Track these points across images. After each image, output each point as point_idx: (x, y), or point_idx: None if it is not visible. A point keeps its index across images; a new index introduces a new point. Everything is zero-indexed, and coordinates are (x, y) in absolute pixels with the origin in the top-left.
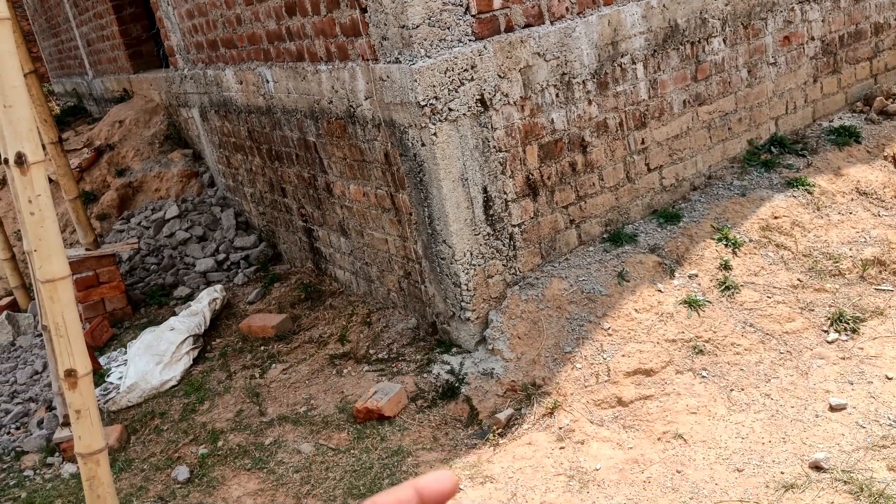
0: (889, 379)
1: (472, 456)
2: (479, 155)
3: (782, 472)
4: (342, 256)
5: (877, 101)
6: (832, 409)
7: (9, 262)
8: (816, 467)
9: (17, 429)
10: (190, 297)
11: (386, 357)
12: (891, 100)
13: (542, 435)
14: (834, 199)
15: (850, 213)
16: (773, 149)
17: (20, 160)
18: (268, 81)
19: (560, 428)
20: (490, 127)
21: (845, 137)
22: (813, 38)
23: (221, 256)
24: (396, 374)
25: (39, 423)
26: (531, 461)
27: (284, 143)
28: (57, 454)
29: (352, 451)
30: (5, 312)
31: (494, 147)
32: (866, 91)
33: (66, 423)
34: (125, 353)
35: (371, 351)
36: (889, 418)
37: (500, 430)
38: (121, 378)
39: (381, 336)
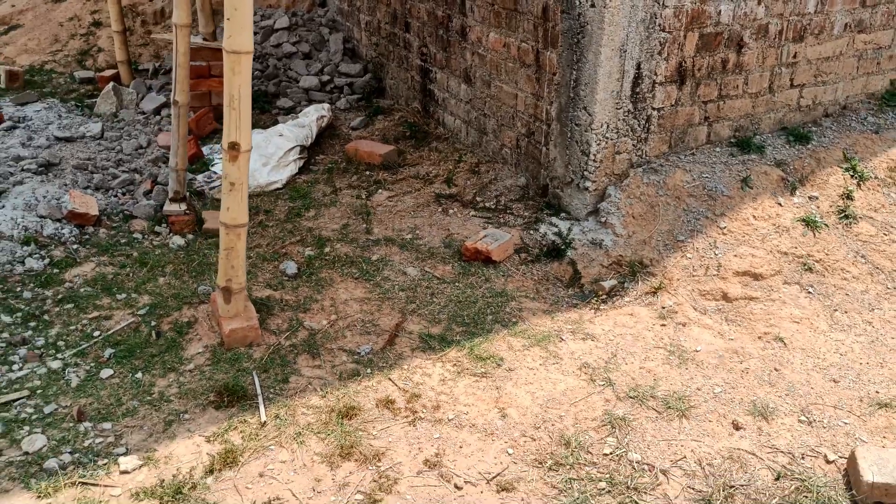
0: None
1: (573, 313)
2: (643, 29)
3: (877, 392)
4: (457, 103)
5: None
6: None
7: (119, 36)
8: None
9: (125, 194)
10: (292, 110)
11: (493, 207)
12: None
13: (645, 310)
14: None
15: None
16: None
17: None
18: None
19: (663, 307)
20: (661, 3)
21: None
22: None
23: (326, 78)
24: (503, 225)
25: (146, 194)
26: (632, 329)
27: None
28: (164, 225)
29: (456, 284)
30: (111, 83)
31: (659, 25)
32: None
33: (176, 199)
34: None
35: (478, 198)
36: None
37: (602, 297)
38: None
39: (489, 187)
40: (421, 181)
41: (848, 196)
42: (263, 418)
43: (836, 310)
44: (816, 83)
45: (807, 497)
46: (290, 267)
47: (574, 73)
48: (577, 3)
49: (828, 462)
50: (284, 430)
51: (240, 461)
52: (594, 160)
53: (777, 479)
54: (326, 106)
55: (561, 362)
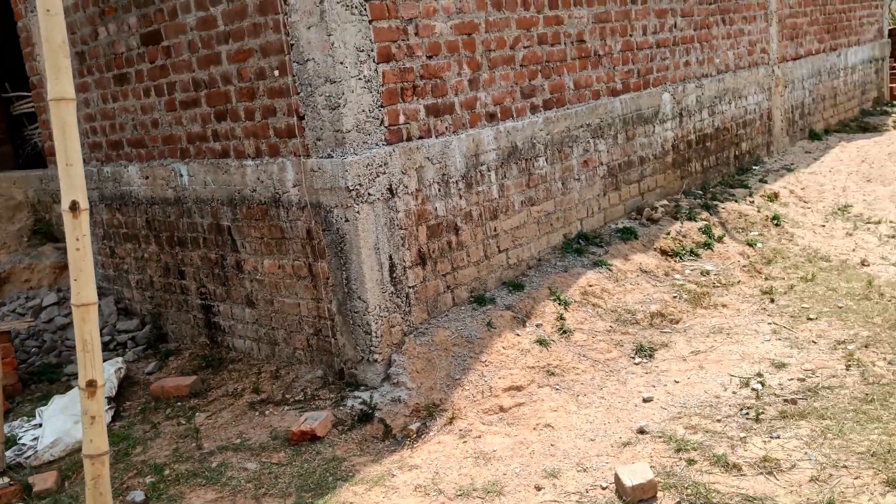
0: (676, 382)
1: (395, 455)
2: (387, 230)
3: (620, 438)
4: (244, 326)
5: (645, 211)
6: (644, 401)
7: None
8: (641, 432)
9: None
10: None
11: (302, 398)
12: (654, 210)
13: (448, 437)
14: (626, 275)
15: (638, 284)
16: (580, 241)
17: None
18: (182, 175)
19: (460, 430)
20: (395, 209)
21: (628, 235)
22: (602, 164)
23: (107, 338)
24: (315, 410)
25: None
26: (443, 452)
27: (192, 229)
28: None
29: (293, 463)
30: None
31: (398, 225)
32: (638, 204)
33: (2, 474)
34: (28, 421)
35: (287, 395)
36: (679, 404)
37: (413, 438)
38: (35, 439)
39: (293, 385)
40: (231, 397)
41: (561, 318)
42: None
43: (578, 395)
44: (516, 246)
45: None
46: (138, 495)
47: (344, 273)
48: (334, 220)
49: (603, 489)
50: None
51: None
52: (377, 336)
53: None
54: (120, 359)
55: (398, 491)
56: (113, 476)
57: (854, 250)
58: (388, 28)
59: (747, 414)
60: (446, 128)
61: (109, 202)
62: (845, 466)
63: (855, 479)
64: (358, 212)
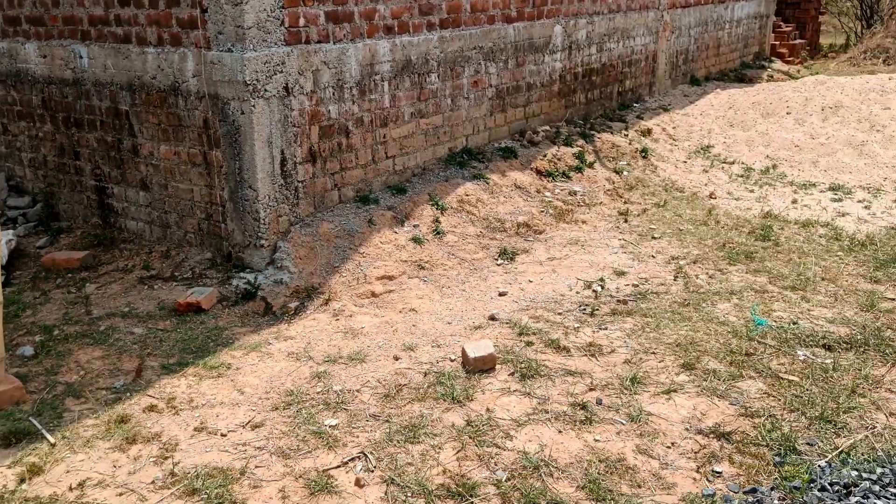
0: (530, 282)
1: (273, 328)
2: (281, 126)
3: (473, 322)
4: (138, 209)
5: (527, 134)
6: (500, 295)
7: None
8: (492, 318)
9: None
10: None
11: (190, 276)
12: (535, 134)
13: (323, 315)
14: (501, 189)
15: (511, 197)
16: (464, 155)
17: None
18: (81, 58)
19: (334, 310)
20: (290, 108)
21: (509, 154)
22: (491, 86)
23: None
24: (203, 287)
25: None
26: (317, 327)
27: (90, 111)
28: None
29: (178, 330)
30: None
31: (291, 123)
32: (522, 127)
33: None
34: None
35: (176, 273)
36: (529, 299)
37: (291, 314)
38: None
39: (182, 265)
40: (122, 272)
41: (436, 221)
42: (52, 440)
43: (442, 287)
44: (403, 154)
45: (442, 379)
46: (28, 350)
47: (237, 163)
48: (231, 112)
49: (451, 361)
50: (73, 443)
51: (44, 470)
52: (264, 223)
53: (425, 375)
54: (10, 232)
55: (273, 356)
56: (3, 333)
57: (706, 184)
58: None
59: (584, 310)
60: (344, 35)
61: (4, 79)
62: (654, 353)
63: (659, 362)
64: (253, 106)
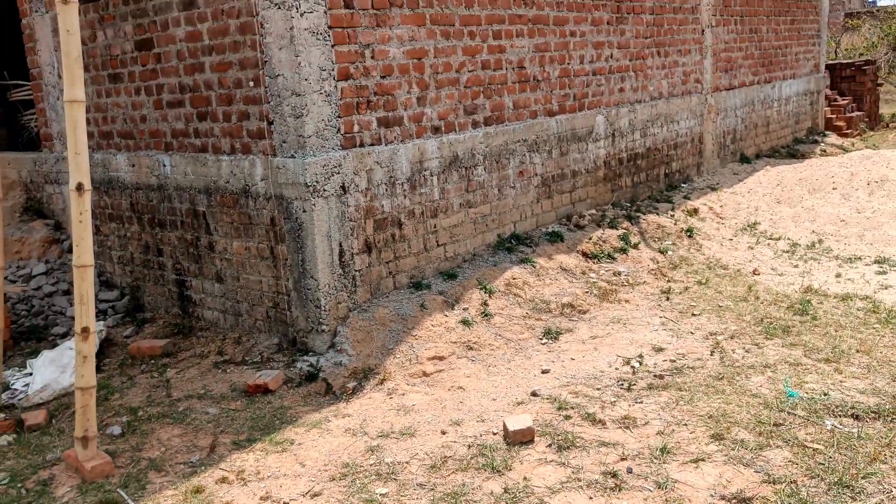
0: (573, 360)
1: (332, 407)
2: (338, 221)
3: (516, 398)
4: (213, 299)
5: (574, 218)
6: (543, 372)
7: None
8: (534, 394)
9: None
10: (66, 335)
11: (259, 360)
12: (581, 218)
13: (378, 394)
14: (547, 271)
15: (556, 279)
16: (512, 241)
17: None
18: (164, 166)
19: (388, 389)
20: (346, 204)
21: (555, 238)
22: (537, 174)
23: None
24: (270, 370)
25: None
26: (372, 405)
27: (171, 212)
28: None
29: (248, 410)
30: None
31: (348, 218)
32: (569, 211)
33: None
34: (20, 371)
35: (246, 358)
36: (570, 375)
37: (349, 394)
38: (26, 386)
39: (253, 349)
40: (198, 358)
41: (485, 303)
42: None
43: (489, 366)
44: (452, 242)
45: (484, 451)
46: (116, 429)
47: (300, 256)
48: (294, 211)
49: (494, 434)
50: None
51: None
52: (325, 310)
53: (469, 448)
54: (101, 323)
55: (332, 432)
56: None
57: (751, 261)
58: (348, 52)
59: (622, 385)
60: (395, 137)
61: (97, 185)
62: (685, 424)
63: (690, 433)
64: (314, 204)
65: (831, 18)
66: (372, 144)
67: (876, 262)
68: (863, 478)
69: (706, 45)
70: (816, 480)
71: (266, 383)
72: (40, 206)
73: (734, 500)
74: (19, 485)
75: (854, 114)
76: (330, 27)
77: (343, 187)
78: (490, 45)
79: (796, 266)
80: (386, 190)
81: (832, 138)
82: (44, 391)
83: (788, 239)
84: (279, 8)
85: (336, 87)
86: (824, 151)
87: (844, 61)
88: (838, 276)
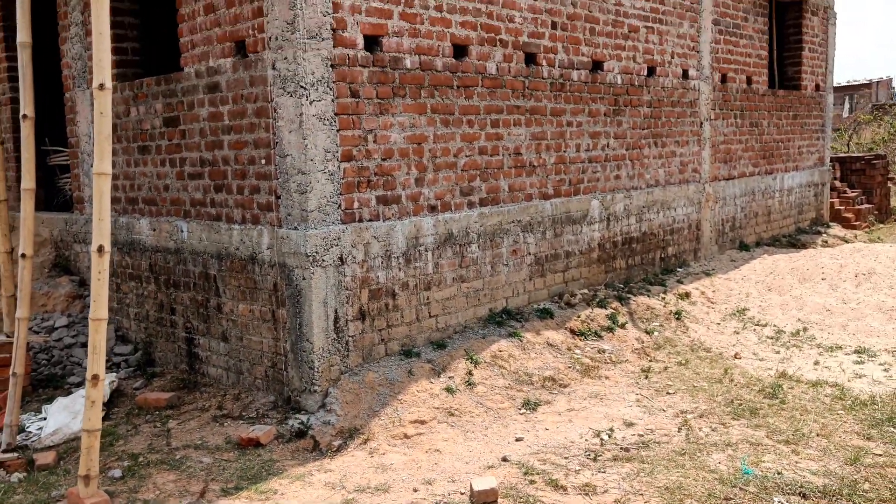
0: (547, 430)
1: (317, 462)
2: (335, 290)
3: (487, 462)
4: (218, 357)
5: (565, 296)
6: (517, 440)
7: None
8: (504, 460)
9: None
10: (80, 384)
11: (255, 416)
12: (573, 297)
13: (360, 452)
14: (534, 346)
15: (542, 354)
16: (503, 315)
17: None
18: (182, 231)
19: (370, 448)
20: (343, 274)
21: (545, 314)
22: (530, 254)
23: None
24: (263, 425)
25: None
26: (354, 462)
27: (185, 275)
28: (1, 469)
29: (239, 461)
30: None
31: (344, 287)
32: (561, 290)
33: (8, 450)
34: (35, 416)
35: (244, 413)
36: (542, 444)
37: (334, 451)
38: (40, 429)
39: (250, 406)
40: (200, 411)
41: (470, 373)
42: None
43: (467, 431)
44: (444, 314)
45: None
46: (116, 472)
47: (298, 320)
48: (294, 278)
49: (461, 494)
50: None
51: None
52: (318, 372)
53: None
54: (113, 375)
55: (312, 485)
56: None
57: (734, 345)
58: (352, 136)
59: (589, 455)
60: (392, 214)
61: (121, 247)
62: (641, 494)
63: (645, 502)
64: (313, 273)
65: (859, 107)
66: (370, 220)
67: (855, 351)
68: None
69: (704, 137)
70: None
71: (258, 437)
72: (67, 263)
73: None
74: None
75: (863, 206)
76: (336, 114)
77: (341, 258)
78: (488, 132)
79: (778, 352)
80: (382, 262)
81: (836, 230)
82: (55, 434)
83: (774, 325)
84: (291, 96)
85: (339, 167)
86: (826, 242)
87: (854, 155)
88: (816, 363)
